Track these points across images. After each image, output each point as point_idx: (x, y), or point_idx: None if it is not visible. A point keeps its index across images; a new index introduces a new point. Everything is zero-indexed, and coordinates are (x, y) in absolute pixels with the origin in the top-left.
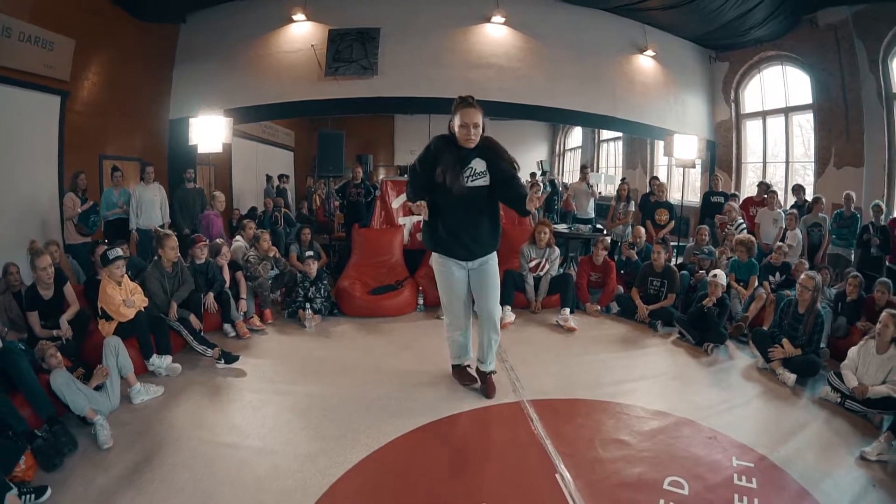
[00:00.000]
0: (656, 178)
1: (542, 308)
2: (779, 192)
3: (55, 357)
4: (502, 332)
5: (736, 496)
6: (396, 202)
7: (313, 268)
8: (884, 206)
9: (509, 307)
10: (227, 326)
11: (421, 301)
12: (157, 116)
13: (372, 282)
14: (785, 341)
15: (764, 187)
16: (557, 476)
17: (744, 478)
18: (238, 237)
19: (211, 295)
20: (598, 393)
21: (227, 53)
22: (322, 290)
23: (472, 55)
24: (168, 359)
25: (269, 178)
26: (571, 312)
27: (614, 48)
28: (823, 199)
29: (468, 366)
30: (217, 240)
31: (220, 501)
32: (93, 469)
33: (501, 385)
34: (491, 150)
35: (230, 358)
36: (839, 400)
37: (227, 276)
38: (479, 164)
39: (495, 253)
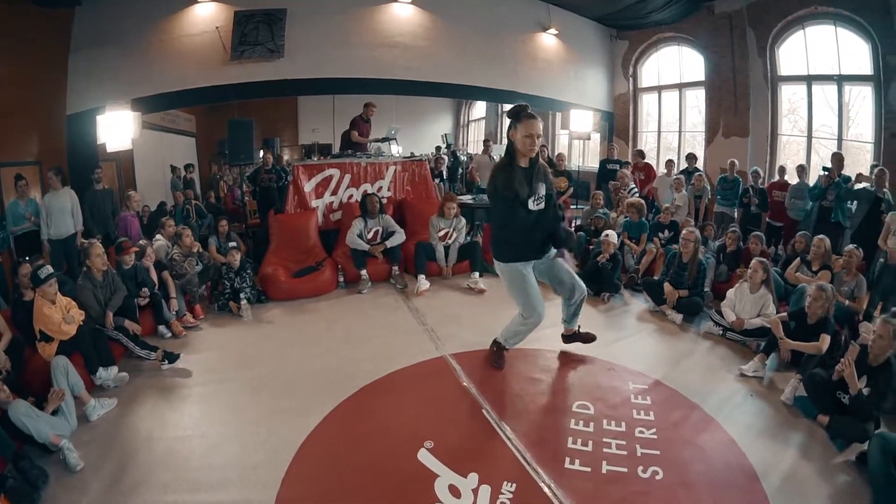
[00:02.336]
0: (545, 146)
1: (454, 274)
2: (668, 162)
3: (3, 391)
4: (419, 300)
5: (634, 411)
6: (308, 185)
7: (237, 258)
8: (761, 172)
9: (423, 275)
10: (161, 328)
11: (341, 278)
12: (54, 113)
13: (293, 265)
14: (666, 285)
15: (639, 154)
16: (484, 412)
17: (640, 397)
18: (158, 236)
19: (146, 290)
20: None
21: (126, 39)
22: (248, 279)
23: (378, 35)
24: (114, 369)
25: (174, 170)
26: (481, 276)
27: (519, 27)
28: (704, 174)
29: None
30: (140, 241)
31: (206, 484)
32: (73, 493)
33: (424, 344)
34: (546, 175)
35: (172, 357)
36: (721, 332)
37: (154, 277)
38: (541, 189)
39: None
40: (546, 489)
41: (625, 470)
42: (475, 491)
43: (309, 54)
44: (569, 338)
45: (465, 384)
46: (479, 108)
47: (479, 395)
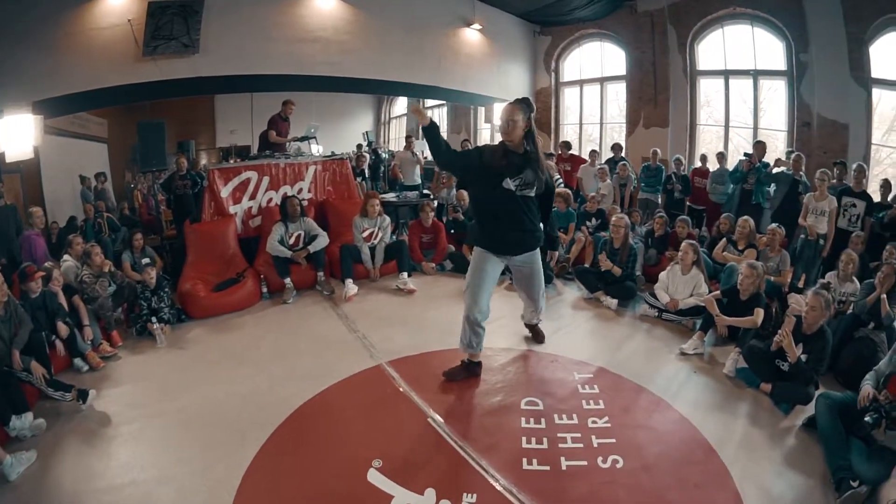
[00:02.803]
0: (468, 140)
1: (382, 275)
2: (592, 153)
3: None
4: (348, 306)
5: (583, 401)
6: (225, 190)
7: (153, 275)
8: (683, 159)
9: (350, 280)
10: (77, 361)
11: (265, 289)
12: None
13: (213, 278)
14: (601, 256)
15: (565, 145)
16: (430, 420)
17: (587, 386)
18: (66, 256)
19: (61, 322)
20: (448, 342)
21: (30, 34)
22: (166, 298)
23: (299, 29)
24: (29, 416)
25: (83, 180)
26: (409, 275)
27: (442, 21)
28: (628, 163)
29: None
30: (46, 263)
31: None
32: None
33: (358, 354)
34: (540, 166)
35: (86, 395)
36: (656, 314)
37: (65, 303)
38: (529, 175)
39: (538, 251)
40: (508, 495)
41: (585, 463)
42: None
43: (226, 50)
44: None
45: (405, 392)
46: (401, 105)
47: (422, 402)
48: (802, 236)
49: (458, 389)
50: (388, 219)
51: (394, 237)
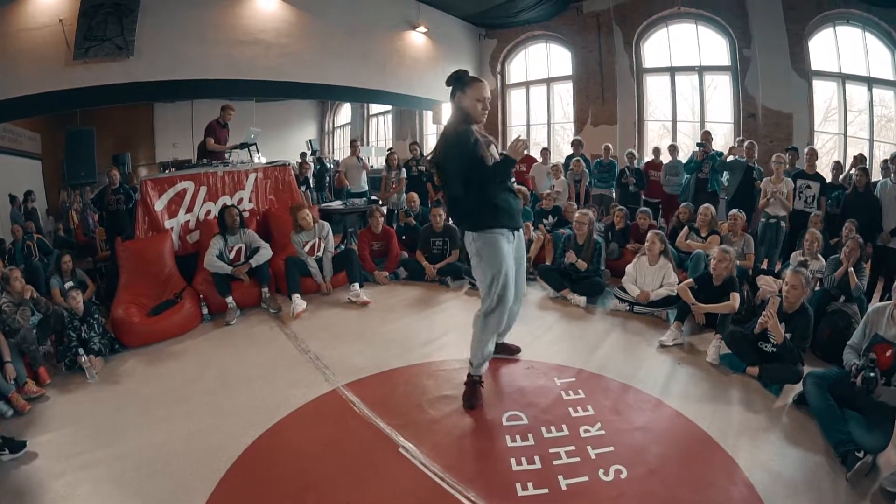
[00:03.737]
0: (416, 143)
1: (333, 288)
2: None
3: None
4: (297, 323)
5: (570, 409)
6: (160, 203)
7: (79, 300)
8: (636, 154)
9: (297, 295)
10: (1, 405)
11: (205, 310)
12: None
13: (149, 301)
14: (569, 253)
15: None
16: (401, 450)
17: (571, 392)
18: None
19: None
20: (410, 357)
21: None
22: (97, 326)
23: (238, 31)
24: None
25: (13, 199)
26: (361, 286)
27: (387, 24)
28: (581, 159)
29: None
30: None
31: None
32: None
33: (311, 377)
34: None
35: (15, 446)
36: (628, 308)
37: None
38: (495, 151)
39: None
40: None
41: (586, 479)
42: None
43: (162, 53)
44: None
45: (368, 419)
46: (345, 114)
47: (388, 429)
48: (763, 220)
49: (428, 410)
50: (326, 225)
51: (342, 247)
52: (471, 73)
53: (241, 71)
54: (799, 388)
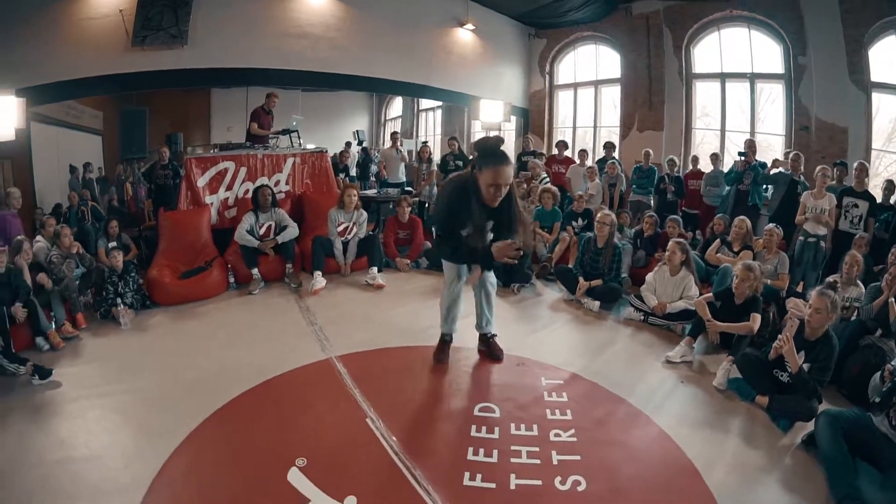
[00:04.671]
0: (454, 138)
1: (353, 270)
2: (589, 152)
3: None
4: (313, 299)
5: (548, 410)
6: (202, 180)
7: (119, 259)
8: (677, 161)
9: (319, 272)
10: (39, 340)
11: (232, 279)
12: None
13: (182, 266)
14: (580, 279)
15: (563, 146)
16: (368, 420)
17: (554, 394)
18: (38, 237)
19: (19, 306)
20: (407, 340)
21: (20, 21)
22: (131, 283)
23: (288, 24)
24: None
25: (73, 169)
26: (380, 271)
27: (434, 20)
28: (617, 162)
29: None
30: (18, 237)
31: None
32: None
33: (310, 346)
34: (509, 208)
35: (44, 372)
36: (642, 318)
37: (29, 279)
38: (496, 218)
39: None
40: None
41: (539, 483)
42: None
43: (214, 42)
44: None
45: (348, 388)
46: (397, 107)
47: (363, 400)
48: (801, 238)
49: (408, 389)
50: (364, 214)
51: (371, 234)
52: (518, 73)
53: (289, 62)
54: (811, 427)
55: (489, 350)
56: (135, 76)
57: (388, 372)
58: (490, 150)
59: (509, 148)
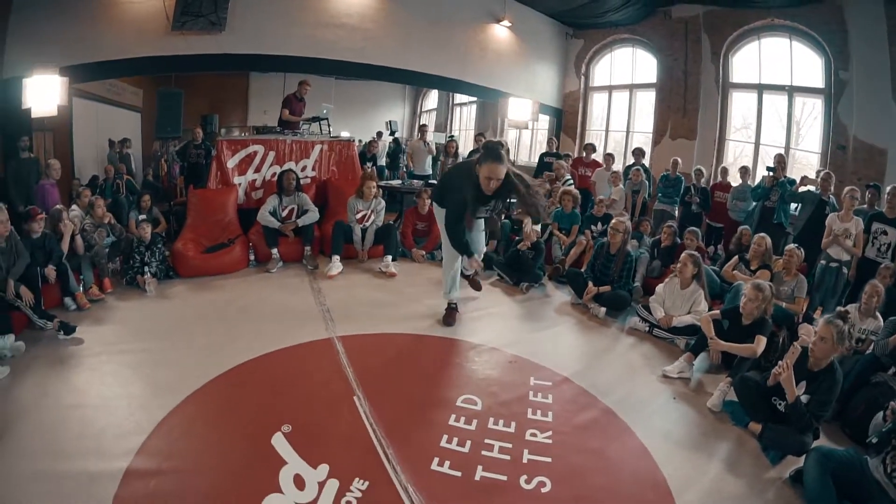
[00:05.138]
0: (482, 135)
1: (369, 257)
2: (617, 157)
3: None
4: (327, 282)
5: (530, 410)
6: (232, 161)
7: (147, 231)
8: (704, 171)
9: (338, 257)
10: (67, 300)
11: (252, 257)
12: None
13: (206, 242)
14: (589, 284)
15: (590, 148)
16: (356, 398)
17: (539, 394)
18: (73, 206)
19: (51, 267)
20: (410, 327)
21: (68, 2)
22: (157, 254)
23: (324, 14)
24: (11, 338)
25: (112, 144)
26: (394, 260)
27: (470, 15)
28: (642, 169)
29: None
30: (58, 206)
31: (68, 454)
32: None
33: (315, 325)
34: (507, 191)
35: (68, 329)
36: (647, 329)
37: (65, 246)
38: (497, 205)
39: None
40: (402, 491)
41: (504, 478)
42: (321, 484)
43: (251, 29)
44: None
45: (343, 367)
46: (432, 100)
47: (354, 380)
48: (823, 262)
49: (399, 374)
50: (382, 202)
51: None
52: (554, 72)
53: (324, 50)
54: (801, 462)
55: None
56: (174, 59)
57: (384, 356)
58: (492, 150)
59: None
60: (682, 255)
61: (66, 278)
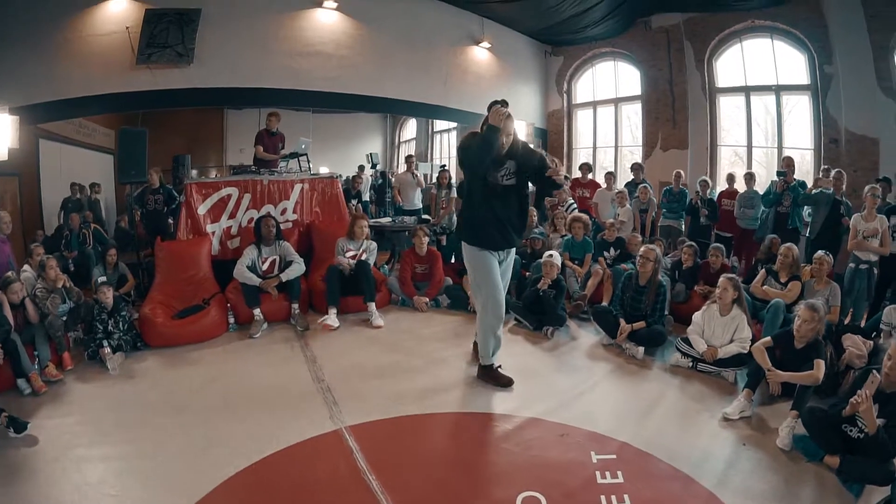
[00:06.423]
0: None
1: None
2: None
3: None
4: (318, 346)
5: (603, 497)
6: (203, 207)
7: (109, 295)
8: (709, 181)
9: (335, 310)
10: (20, 382)
11: (232, 319)
12: None
13: (178, 304)
14: (621, 322)
15: (587, 168)
16: None
17: (608, 473)
18: (26, 266)
19: None
20: (430, 404)
21: (27, 37)
22: (122, 322)
23: (298, 42)
24: None
25: (78, 188)
26: (371, 300)
27: (449, 38)
28: (648, 186)
29: (499, 366)
30: (8, 273)
31: None
32: None
33: (316, 412)
34: (522, 155)
35: (19, 426)
36: (691, 364)
37: (10, 316)
38: (511, 166)
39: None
40: None
41: None
42: None
43: (221, 61)
44: (483, 372)
45: (362, 472)
46: (411, 129)
47: (378, 489)
48: (853, 265)
49: (435, 474)
50: (374, 244)
51: (387, 269)
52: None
53: (300, 81)
54: (887, 491)
55: (497, 378)
56: (141, 95)
57: (410, 449)
58: (497, 104)
59: None
60: (721, 279)
61: (18, 356)
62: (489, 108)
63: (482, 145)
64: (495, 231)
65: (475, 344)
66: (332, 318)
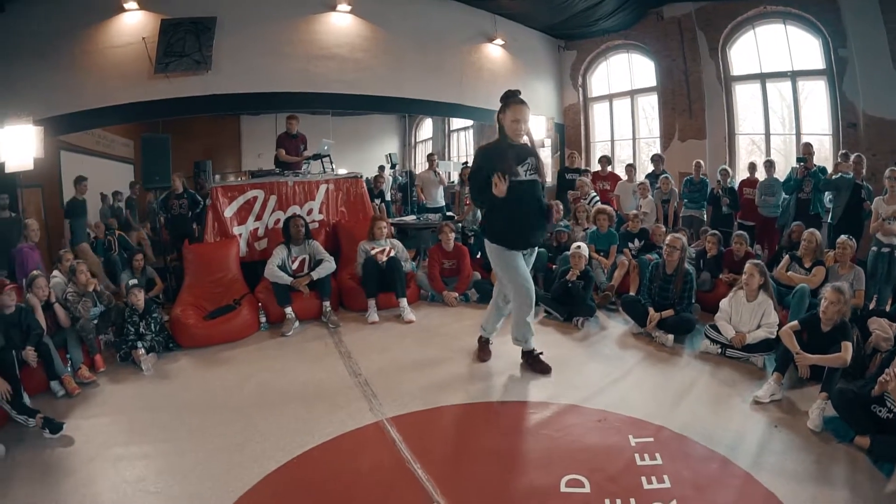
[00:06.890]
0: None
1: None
2: (628, 167)
3: None
4: (352, 342)
5: (644, 479)
6: (229, 210)
7: (140, 297)
8: (730, 170)
9: (373, 302)
10: (54, 384)
11: (263, 319)
12: None
13: (208, 305)
14: (650, 311)
15: (605, 161)
16: None
17: (646, 456)
18: (55, 272)
19: (30, 349)
20: (468, 393)
21: (47, 50)
22: (153, 324)
23: (313, 46)
24: None
25: (103, 198)
26: (403, 296)
27: (462, 37)
28: (670, 177)
29: (541, 353)
30: (34, 272)
31: None
32: None
33: (355, 404)
34: (537, 157)
35: (55, 426)
36: (719, 350)
37: (42, 320)
38: (532, 162)
39: None
40: None
41: None
42: None
43: (238, 67)
44: (527, 361)
45: (407, 462)
46: (426, 129)
47: (426, 479)
48: (875, 248)
49: (479, 460)
50: (399, 244)
51: (414, 265)
52: (551, 87)
53: (316, 84)
54: None
55: (541, 365)
56: (160, 103)
57: (452, 438)
58: (511, 94)
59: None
60: (748, 265)
61: (51, 359)
62: (505, 99)
63: (477, 192)
64: (516, 235)
65: (480, 339)
66: (373, 313)
